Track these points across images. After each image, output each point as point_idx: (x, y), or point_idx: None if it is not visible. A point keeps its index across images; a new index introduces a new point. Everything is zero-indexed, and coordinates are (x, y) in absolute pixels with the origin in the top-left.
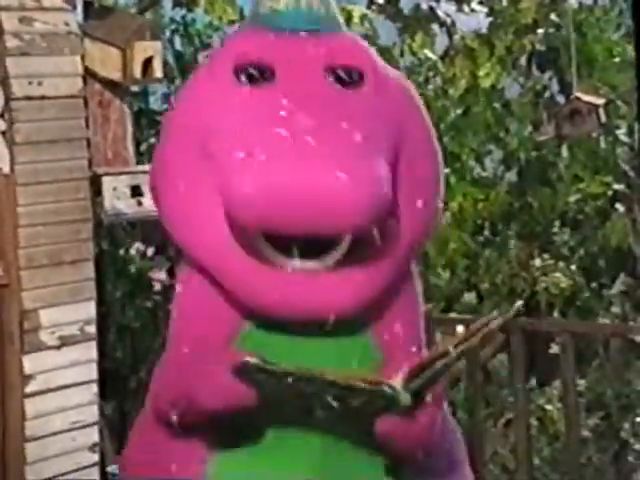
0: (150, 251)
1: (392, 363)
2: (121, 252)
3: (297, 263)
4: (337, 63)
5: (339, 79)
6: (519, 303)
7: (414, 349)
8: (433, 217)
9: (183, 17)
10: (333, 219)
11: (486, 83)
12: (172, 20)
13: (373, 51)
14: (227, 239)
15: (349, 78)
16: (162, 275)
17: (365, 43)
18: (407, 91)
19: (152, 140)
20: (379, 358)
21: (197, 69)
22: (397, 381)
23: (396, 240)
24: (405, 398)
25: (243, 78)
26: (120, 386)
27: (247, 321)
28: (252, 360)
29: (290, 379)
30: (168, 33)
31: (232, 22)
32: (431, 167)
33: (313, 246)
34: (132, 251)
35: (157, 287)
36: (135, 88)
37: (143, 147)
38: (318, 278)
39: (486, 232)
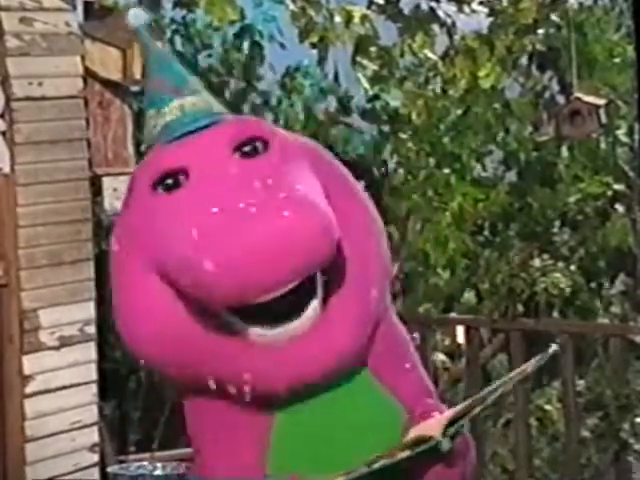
0: None
1: (416, 411)
2: None
3: (267, 331)
4: (240, 140)
5: (246, 153)
6: (555, 347)
7: (428, 392)
8: (380, 251)
9: (183, 17)
10: (298, 255)
11: (486, 83)
12: (172, 20)
13: (267, 122)
14: (199, 333)
15: (255, 149)
16: None
17: (257, 118)
18: (315, 149)
19: None
20: (400, 409)
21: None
22: (435, 431)
23: (353, 279)
24: (446, 445)
25: (161, 191)
26: (120, 386)
27: (273, 417)
28: None
29: None
30: (169, 33)
31: (232, 22)
32: (357, 205)
33: (279, 312)
34: None
35: None
36: (135, 88)
37: (143, 148)
38: (295, 344)
39: (486, 232)
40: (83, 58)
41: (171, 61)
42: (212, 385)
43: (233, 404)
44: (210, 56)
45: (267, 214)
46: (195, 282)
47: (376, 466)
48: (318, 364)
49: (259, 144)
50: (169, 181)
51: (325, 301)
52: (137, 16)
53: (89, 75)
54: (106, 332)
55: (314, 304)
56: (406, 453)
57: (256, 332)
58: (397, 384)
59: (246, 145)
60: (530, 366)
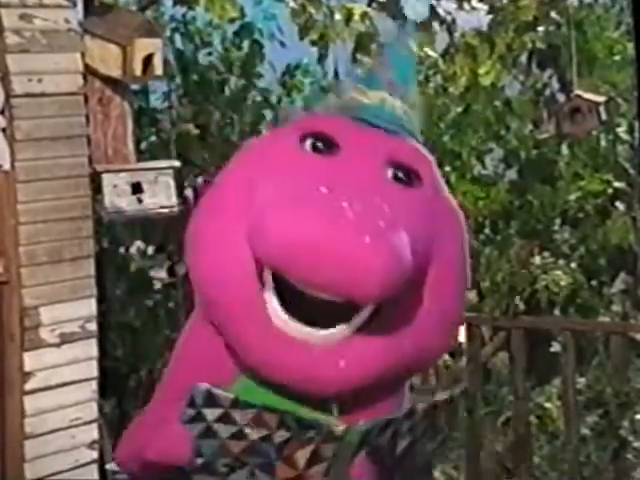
0: (150, 250)
1: None
2: (121, 250)
3: (312, 332)
4: (398, 161)
5: (396, 176)
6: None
7: None
8: (451, 325)
9: (183, 15)
10: (350, 279)
11: (486, 81)
12: (172, 18)
13: (435, 165)
14: (249, 300)
15: (406, 178)
16: (162, 274)
17: (430, 156)
18: (455, 211)
19: (152, 138)
20: None
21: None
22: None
23: (408, 327)
24: (348, 436)
25: (307, 146)
26: (120, 384)
27: (242, 375)
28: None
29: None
30: (168, 31)
31: (232, 20)
32: (456, 283)
33: (324, 314)
34: (132, 250)
35: (157, 286)
36: (135, 86)
37: (143, 145)
38: (334, 348)
39: (487, 230)
40: (83, 55)
41: (411, 58)
42: None
43: (222, 346)
44: (210, 54)
45: (354, 228)
46: (254, 229)
47: None
48: (367, 368)
49: (411, 176)
50: (319, 143)
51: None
52: None
53: (89, 72)
54: (107, 330)
55: (351, 324)
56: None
57: (303, 330)
58: None
59: (401, 169)
60: (444, 395)
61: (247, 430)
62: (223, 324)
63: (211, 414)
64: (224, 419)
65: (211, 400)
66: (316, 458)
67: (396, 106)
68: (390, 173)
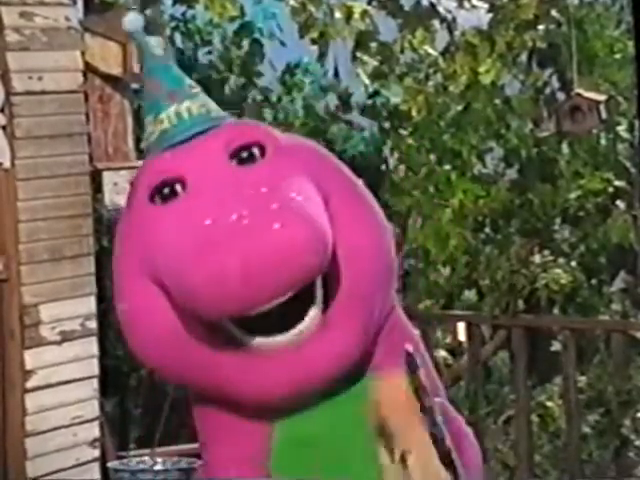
0: None
1: None
2: None
3: (268, 340)
4: (237, 145)
5: (244, 159)
6: None
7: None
8: (383, 252)
9: (183, 14)
10: (288, 268)
11: (487, 79)
12: (172, 17)
13: (262, 124)
14: (198, 343)
15: (252, 154)
16: None
17: (256, 122)
18: (314, 150)
19: None
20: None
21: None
22: None
23: (354, 283)
24: None
25: (158, 202)
26: (121, 383)
27: (272, 426)
28: None
29: None
30: (168, 30)
31: (232, 19)
32: (359, 205)
33: (279, 320)
34: None
35: None
36: (136, 85)
37: (144, 144)
38: (296, 351)
39: (487, 229)
40: (83, 53)
41: (167, 64)
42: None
43: (234, 410)
44: (210, 53)
45: (258, 227)
46: (185, 296)
47: None
48: (318, 370)
49: (256, 150)
50: (166, 191)
51: (327, 305)
52: (132, 21)
53: (89, 70)
54: (107, 329)
55: (313, 312)
56: None
57: (256, 341)
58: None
59: (243, 151)
60: None
61: None
62: (200, 383)
63: None
64: None
65: None
66: None
67: (190, 108)
68: (235, 162)
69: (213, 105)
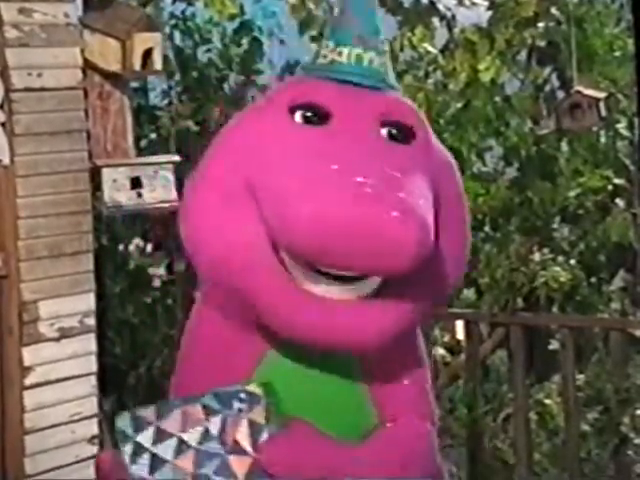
0: (149, 247)
1: (384, 424)
2: (120, 248)
3: (333, 289)
4: (391, 119)
5: (390, 135)
6: None
7: (413, 414)
8: (457, 274)
9: (183, 12)
10: (380, 258)
11: (486, 77)
12: (172, 15)
13: (421, 114)
14: (271, 262)
15: (400, 134)
16: (161, 271)
17: (415, 106)
18: (447, 158)
19: (152, 136)
20: (373, 414)
21: (251, 104)
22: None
23: (426, 285)
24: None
25: (298, 117)
26: (119, 381)
27: (268, 352)
28: None
29: None
30: (168, 28)
31: (232, 17)
32: (459, 231)
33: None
34: (131, 247)
35: (156, 283)
36: (135, 84)
37: (143, 143)
38: (350, 307)
39: (486, 227)
40: (82, 49)
41: (373, 9)
42: None
43: (241, 326)
44: (209, 51)
45: (377, 204)
46: (282, 222)
47: None
48: (356, 333)
49: (405, 131)
50: (310, 114)
51: (388, 285)
52: None
53: (88, 66)
54: (106, 327)
55: (375, 281)
56: None
57: (314, 279)
58: (383, 395)
59: (393, 127)
60: None
61: (184, 436)
62: (240, 292)
63: (146, 438)
64: (159, 437)
65: (138, 423)
66: (254, 429)
67: (373, 60)
68: (385, 132)
69: (391, 71)
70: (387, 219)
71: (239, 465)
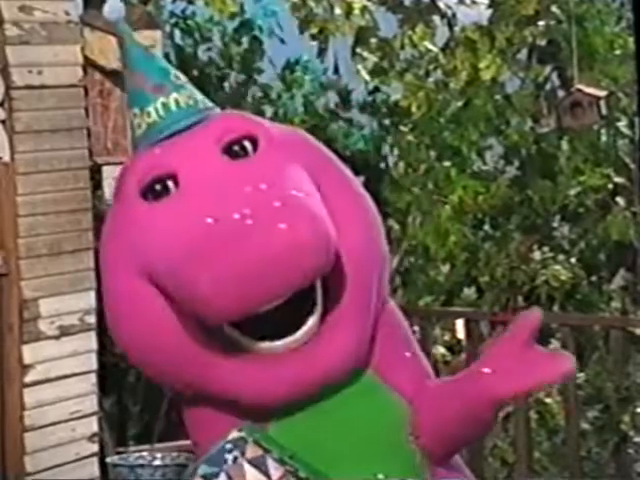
0: None
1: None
2: None
3: (269, 344)
4: (229, 139)
5: (237, 153)
6: None
7: (427, 374)
8: (377, 246)
9: (183, 10)
10: (296, 267)
11: (487, 75)
12: (172, 14)
13: (251, 116)
14: (193, 346)
15: (245, 147)
16: None
17: (243, 112)
18: (303, 140)
19: None
20: (403, 404)
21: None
22: None
23: (352, 282)
24: None
25: (151, 197)
26: (119, 380)
27: (267, 426)
28: None
29: None
30: (168, 27)
31: (232, 16)
32: (350, 196)
33: (278, 324)
34: None
35: None
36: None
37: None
38: (296, 351)
39: (486, 226)
40: (83, 47)
41: (152, 55)
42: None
43: (229, 410)
44: (210, 49)
45: (263, 227)
46: (191, 298)
47: None
48: (319, 368)
49: (247, 143)
50: (157, 187)
51: (325, 303)
52: (113, 11)
53: (89, 64)
54: (106, 325)
55: (315, 316)
56: None
57: (255, 345)
58: (398, 378)
59: (234, 144)
60: None
61: None
62: (194, 384)
63: None
64: None
65: None
66: (258, 464)
67: (180, 101)
68: (230, 154)
69: (200, 96)
70: (278, 234)
71: None
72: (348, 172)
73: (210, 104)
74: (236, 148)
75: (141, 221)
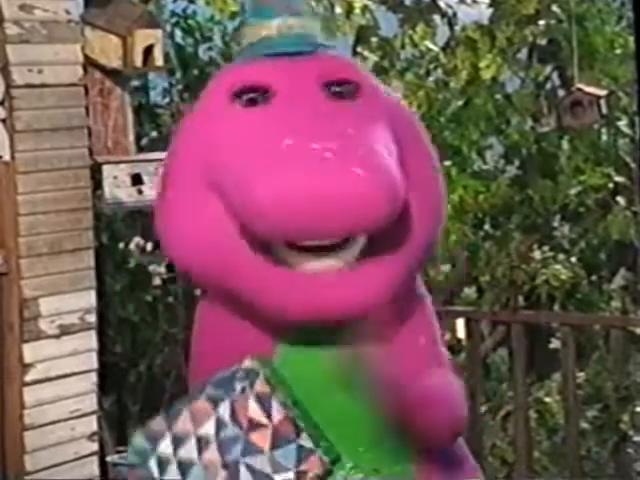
0: (149, 245)
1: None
2: (120, 246)
3: (316, 263)
4: (332, 79)
5: (335, 94)
6: None
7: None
8: (438, 218)
9: (184, 10)
10: (356, 217)
11: (487, 75)
12: (173, 13)
13: (364, 66)
14: (245, 253)
15: (345, 91)
16: (161, 269)
17: (355, 60)
18: (402, 105)
19: (153, 134)
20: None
21: (197, 100)
22: None
23: (408, 239)
24: None
25: (241, 103)
26: (119, 379)
27: (278, 346)
28: None
29: None
30: (169, 26)
31: (233, 15)
32: (430, 178)
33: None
34: (131, 245)
35: (156, 281)
36: (136, 82)
37: (144, 141)
38: (339, 276)
39: (487, 225)
40: (83, 46)
41: None
42: None
43: (247, 321)
44: (210, 49)
45: (340, 166)
46: (248, 210)
47: None
48: (355, 295)
49: (350, 87)
50: (251, 96)
51: (370, 248)
52: None
53: (89, 63)
54: (106, 325)
55: (358, 245)
56: None
57: (301, 263)
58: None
59: (337, 85)
60: None
61: (201, 432)
62: (235, 289)
63: (166, 448)
64: (178, 442)
65: (153, 436)
66: (263, 400)
67: (301, 25)
68: (328, 92)
69: (319, 29)
70: (352, 177)
71: (261, 439)
72: (432, 149)
73: (326, 41)
74: (337, 89)
75: (226, 123)
